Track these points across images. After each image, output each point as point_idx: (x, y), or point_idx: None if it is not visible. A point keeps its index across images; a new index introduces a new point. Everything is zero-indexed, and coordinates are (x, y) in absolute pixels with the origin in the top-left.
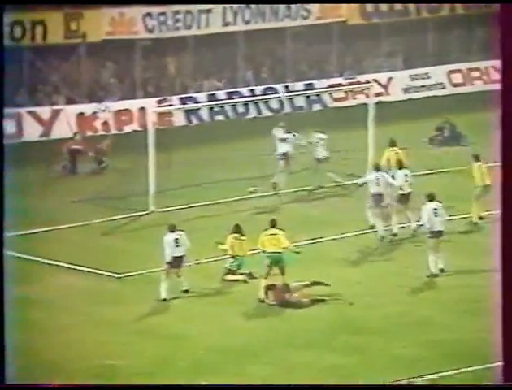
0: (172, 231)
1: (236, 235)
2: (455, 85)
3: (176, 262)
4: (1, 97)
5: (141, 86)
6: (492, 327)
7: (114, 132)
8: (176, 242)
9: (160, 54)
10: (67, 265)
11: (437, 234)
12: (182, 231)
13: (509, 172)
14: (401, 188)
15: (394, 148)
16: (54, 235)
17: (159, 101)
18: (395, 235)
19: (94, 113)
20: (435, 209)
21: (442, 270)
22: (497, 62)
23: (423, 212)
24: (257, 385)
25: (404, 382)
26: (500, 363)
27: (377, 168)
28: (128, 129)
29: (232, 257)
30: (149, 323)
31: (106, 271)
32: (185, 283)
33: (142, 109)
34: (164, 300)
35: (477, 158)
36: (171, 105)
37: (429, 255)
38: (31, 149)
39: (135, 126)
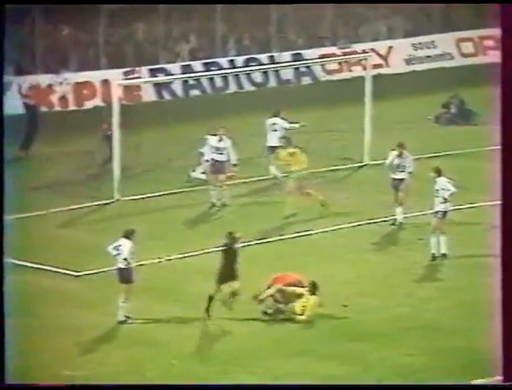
0: (126, 238)
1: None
2: (465, 56)
3: (119, 274)
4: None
5: (105, 55)
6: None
7: (73, 107)
8: (117, 250)
9: (128, 18)
10: (18, 262)
11: (440, 214)
12: (129, 239)
13: (510, 163)
14: (395, 172)
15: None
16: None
17: (126, 73)
18: (399, 224)
19: (50, 85)
20: (442, 186)
21: (444, 255)
22: None
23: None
24: (256, 385)
25: None
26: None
27: (214, 135)
28: (89, 105)
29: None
30: (112, 329)
31: (64, 269)
32: (123, 311)
33: (106, 81)
34: (121, 322)
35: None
36: (139, 77)
37: (431, 237)
38: None
39: (98, 101)
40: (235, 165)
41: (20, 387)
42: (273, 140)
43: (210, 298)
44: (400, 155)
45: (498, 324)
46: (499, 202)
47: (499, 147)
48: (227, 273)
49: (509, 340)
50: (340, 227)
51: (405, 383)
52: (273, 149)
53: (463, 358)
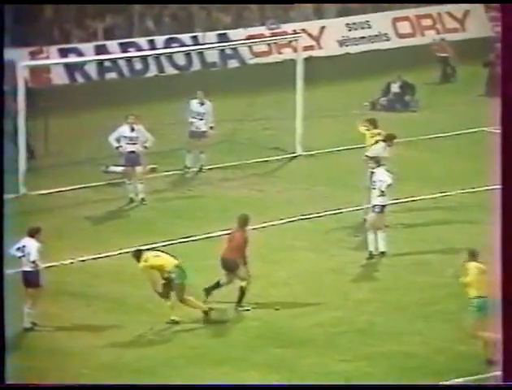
0: (30, 237)
1: None
2: (402, 36)
3: (25, 278)
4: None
5: (9, 33)
6: (446, 336)
7: None
8: (22, 251)
9: None
10: None
11: (377, 208)
12: (34, 238)
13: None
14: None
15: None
16: None
17: (33, 53)
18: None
19: None
20: (379, 178)
21: (383, 253)
22: (454, 8)
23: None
24: (257, 385)
25: None
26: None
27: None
28: None
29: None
30: (17, 337)
31: None
32: (29, 318)
33: (10, 62)
34: (27, 329)
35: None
36: (47, 58)
37: (368, 233)
38: None
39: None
40: (145, 147)
41: (20, 387)
42: (200, 124)
43: None
44: (388, 147)
45: (498, 321)
46: (494, 194)
47: (440, 135)
48: None
49: (509, 339)
50: (271, 223)
51: (406, 383)
52: (202, 134)
53: (399, 363)
